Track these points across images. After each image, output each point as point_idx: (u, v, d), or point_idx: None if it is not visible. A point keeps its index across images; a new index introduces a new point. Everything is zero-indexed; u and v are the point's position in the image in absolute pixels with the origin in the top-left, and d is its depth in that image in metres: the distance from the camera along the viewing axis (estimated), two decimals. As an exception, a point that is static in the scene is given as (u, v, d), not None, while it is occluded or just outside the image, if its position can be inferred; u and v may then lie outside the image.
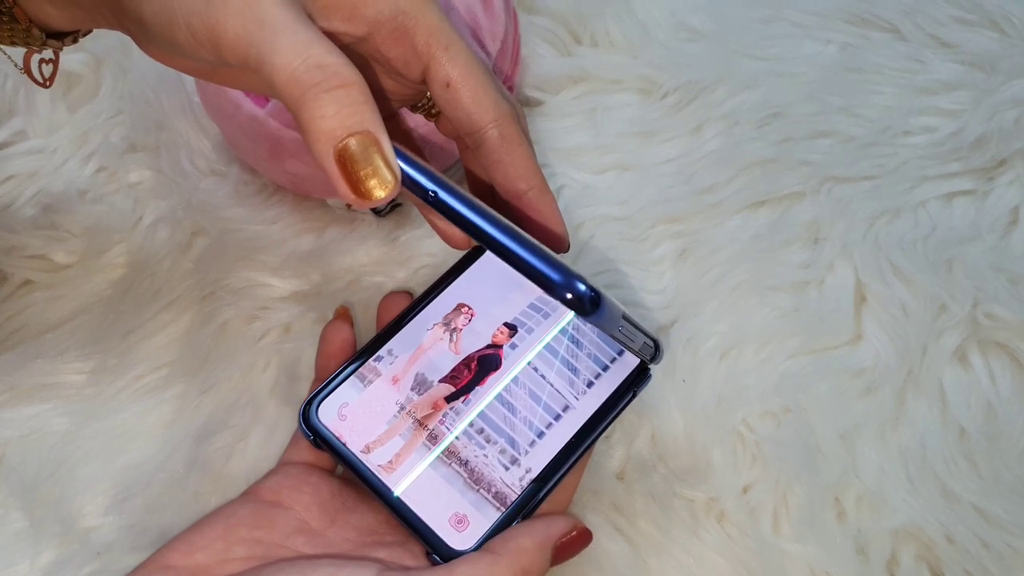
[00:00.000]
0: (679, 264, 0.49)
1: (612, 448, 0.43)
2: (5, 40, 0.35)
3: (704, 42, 0.56)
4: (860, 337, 0.46)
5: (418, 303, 0.40)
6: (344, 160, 0.27)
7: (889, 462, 0.42)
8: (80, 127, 0.55)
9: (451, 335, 0.39)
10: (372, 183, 0.27)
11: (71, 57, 0.56)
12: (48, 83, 0.40)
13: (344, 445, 0.37)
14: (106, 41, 0.57)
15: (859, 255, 0.48)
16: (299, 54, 0.26)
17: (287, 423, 0.45)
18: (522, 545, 0.33)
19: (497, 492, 0.35)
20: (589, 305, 0.29)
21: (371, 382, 0.38)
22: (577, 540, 0.35)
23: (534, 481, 0.36)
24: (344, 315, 0.41)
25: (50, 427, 0.45)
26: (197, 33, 0.28)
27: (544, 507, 0.36)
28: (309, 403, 0.38)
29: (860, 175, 0.51)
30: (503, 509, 0.35)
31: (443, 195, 0.30)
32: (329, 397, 0.38)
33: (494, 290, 0.40)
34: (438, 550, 0.34)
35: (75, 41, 0.37)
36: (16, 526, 0.42)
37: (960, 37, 0.55)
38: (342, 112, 0.26)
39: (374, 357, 0.39)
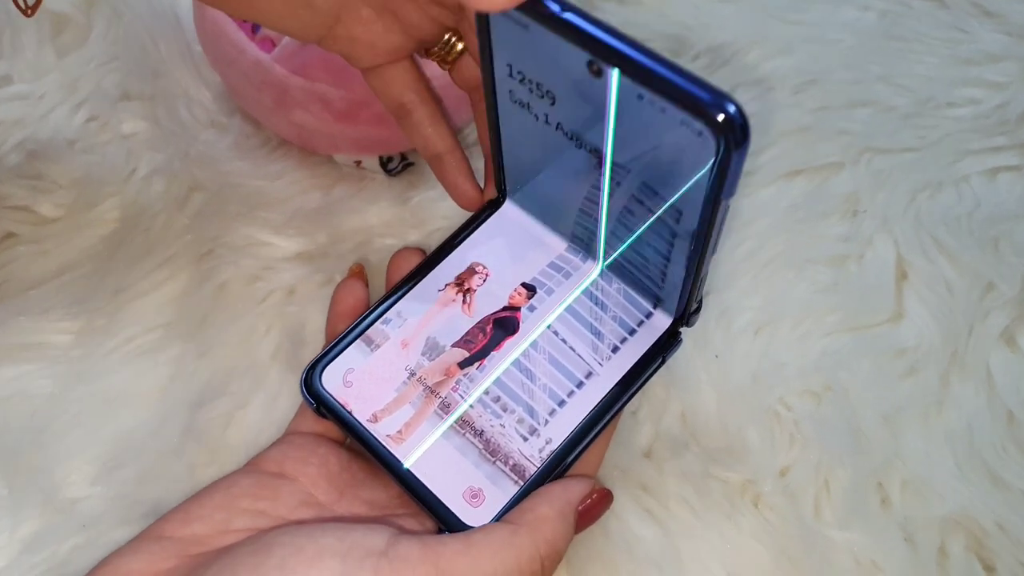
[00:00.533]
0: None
1: (640, 424, 0.41)
2: None
3: (737, 3, 0.53)
4: (902, 315, 0.43)
5: (429, 262, 0.37)
6: None
7: (935, 447, 0.40)
8: (70, 73, 0.51)
9: (464, 296, 0.36)
10: None
11: (61, -2, 0.52)
12: (30, 11, 0.36)
13: (350, 413, 0.34)
14: (99, -19, 0.53)
15: (900, 229, 0.45)
16: None
17: (290, 391, 0.42)
18: (542, 514, 0.30)
19: (515, 464, 0.32)
20: (740, 133, 0.24)
21: (379, 346, 0.35)
22: (599, 503, 0.32)
23: (555, 453, 0.33)
24: (359, 273, 0.38)
25: (33, 389, 0.42)
26: None
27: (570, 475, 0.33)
28: (312, 368, 0.35)
29: (901, 147, 0.48)
30: (521, 483, 0.32)
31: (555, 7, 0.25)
32: (334, 362, 0.35)
33: (511, 248, 0.37)
34: (452, 527, 0.31)
35: None
36: (-6, 495, 0.39)
37: (1006, 7, 0.53)
38: None
39: (382, 320, 0.36)
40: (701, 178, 0.26)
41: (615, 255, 0.35)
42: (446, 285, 0.36)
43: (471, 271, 0.37)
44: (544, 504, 0.31)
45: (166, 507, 0.38)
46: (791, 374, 0.41)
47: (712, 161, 0.25)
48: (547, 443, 0.33)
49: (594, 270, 0.36)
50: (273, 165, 0.48)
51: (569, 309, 0.36)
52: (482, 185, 0.39)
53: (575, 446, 0.33)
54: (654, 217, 0.31)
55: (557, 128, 0.30)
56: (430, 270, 0.37)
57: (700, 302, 0.34)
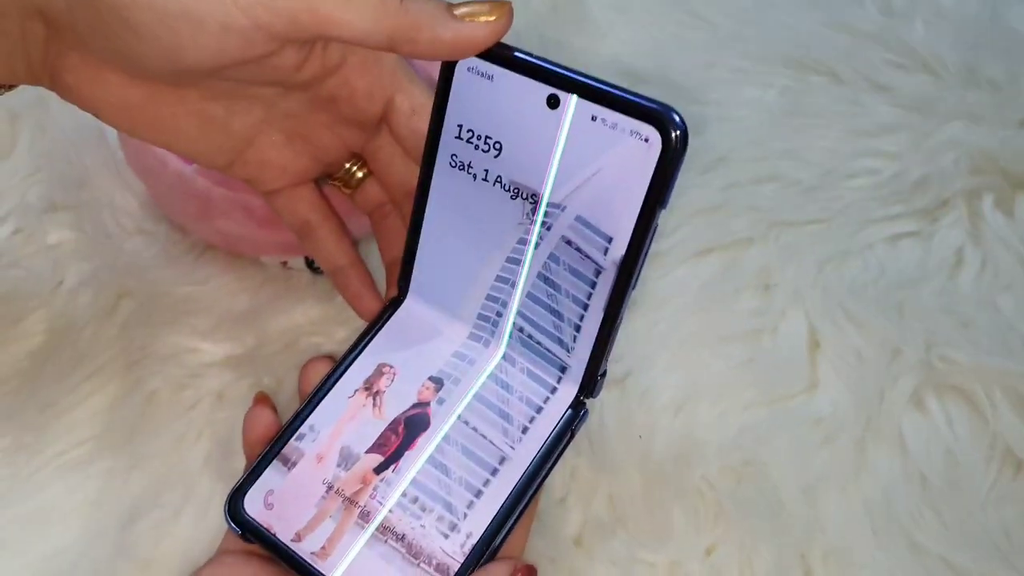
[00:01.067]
0: (628, 315, 0.47)
1: (568, 512, 0.42)
2: None
3: (647, 88, 0.54)
4: (815, 385, 0.45)
5: (336, 370, 0.37)
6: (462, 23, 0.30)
7: (853, 516, 0.41)
8: (-6, 187, 0.52)
9: (374, 399, 0.36)
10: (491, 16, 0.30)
11: (-16, 113, 0.53)
12: None
13: (274, 536, 0.34)
14: (22, 95, 0.54)
15: (810, 301, 0.47)
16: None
17: (221, 499, 0.41)
18: None
19: (439, 564, 0.33)
20: (682, 135, 0.28)
21: (295, 464, 0.35)
22: None
23: (476, 545, 0.33)
24: (263, 400, 0.38)
25: (-42, 513, 0.41)
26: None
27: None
28: (233, 495, 0.35)
29: (807, 219, 0.51)
30: None
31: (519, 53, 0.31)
32: (253, 486, 0.35)
33: (415, 344, 0.37)
34: None
35: (10, 88, 0.35)
36: (-81, 629, 0.38)
37: (895, 80, 0.56)
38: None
39: (295, 436, 0.36)
40: (640, 189, 0.30)
41: (526, 320, 0.35)
42: (355, 391, 0.36)
43: (379, 373, 0.37)
44: None
45: (96, 631, 0.38)
46: (711, 452, 0.43)
47: (655, 165, 0.29)
48: (468, 537, 0.33)
49: (497, 353, 0.36)
50: (200, 270, 0.49)
51: (477, 396, 0.36)
52: (383, 295, 0.40)
53: (496, 535, 0.33)
54: (580, 254, 0.32)
55: (495, 183, 0.33)
56: (339, 378, 0.37)
57: (605, 372, 0.35)
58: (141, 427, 0.44)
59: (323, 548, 0.33)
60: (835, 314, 0.47)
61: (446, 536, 0.33)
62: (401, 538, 0.33)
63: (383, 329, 0.38)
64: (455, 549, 0.33)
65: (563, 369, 0.35)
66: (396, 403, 0.36)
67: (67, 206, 0.52)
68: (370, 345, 0.37)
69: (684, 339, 0.46)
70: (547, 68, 0.31)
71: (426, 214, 0.36)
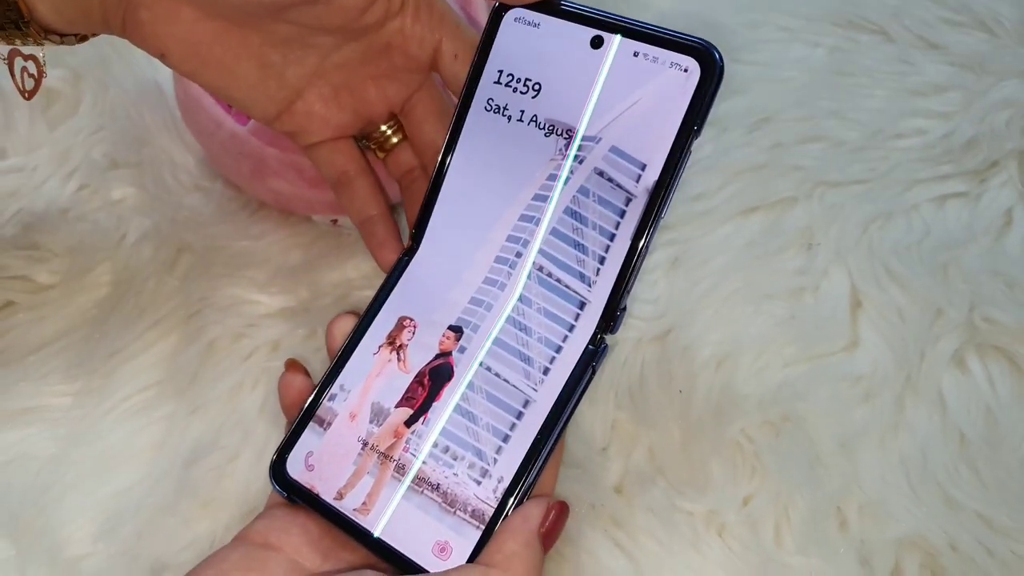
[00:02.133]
0: (671, 273, 0.48)
1: (610, 461, 0.43)
2: (10, 39, 0.36)
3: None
4: (856, 343, 0.46)
5: (359, 327, 0.38)
6: None
7: (890, 470, 0.42)
8: (61, 144, 0.54)
9: (398, 354, 0.37)
10: None
11: (50, 73, 0.55)
12: (28, 95, 0.39)
13: (317, 495, 0.35)
14: (85, 56, 0.56)
15: (853, 260, 0.48)
16: None
17: (276, 443, 0.43)
18: (510, 551, 0.32)
19: (474, 510, 0.34)
20: (720, 64, 0.32)
21: (330, 424, 0.37)
22: (557, 519, 0.34)
23: (508, 489, 0.34)
24: (294, 366, 0.39)
25: (35, 452, 0.44)
26: None
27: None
28: (277, 460, 0.37)
29: (852, 179, 0.51)
30: (483, 526, 0.34)
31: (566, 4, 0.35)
32: (294, 449, 0.37)
33: (432, 294, 0.38)
34: None
35: (69, 43, 0.37)
36: (1, 555, 0.41)
37: (949, 38, 0.55)
38: None
39: (328, 397, 0.37)
40: (676, 116, 0.33)
41: (547, 258, 0.36)
42: (379, 347, 0.37)
43: (400, 327, 0.37)
44: (509, 540, 0.32)
45: (164, 561, 0.41)
46: (751, 406, 0.43)
47: (693, 92, 0.32)
48: (499, 482, 0.34)
49: (513, 295, 0.36)
50: (255, 227, 0.51)
51: (496, 341, 0.36)
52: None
53: (525, 478, 0.34)
54: (611, 184, 0.34)
55: (531, 123, 0.35)
56: (362, 335, 0.38)
57: (625, 307, 0.35)
58: (201, 374, 0.46)
59: (364, 504, 0.35)
60: (878, 273, 0.47)
61: (478, 483, 0.34)
62: (436, 488, 0.35)
63: (400, 282, 0.38)
64: (488, 495, 0.34)
65: (582, 306, 0.35)
66: (419, 355, 0.37)
67: (129, 163, 0.54)
68: (389, 299, 0.38)
69: (726, 296, 0.47)
70: (592, 14, 0.34)
71: (453, 159, 0.37)
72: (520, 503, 0.34)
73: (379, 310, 0.38)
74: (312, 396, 0.37)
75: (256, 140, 0.45)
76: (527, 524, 0.33)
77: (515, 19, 0.35)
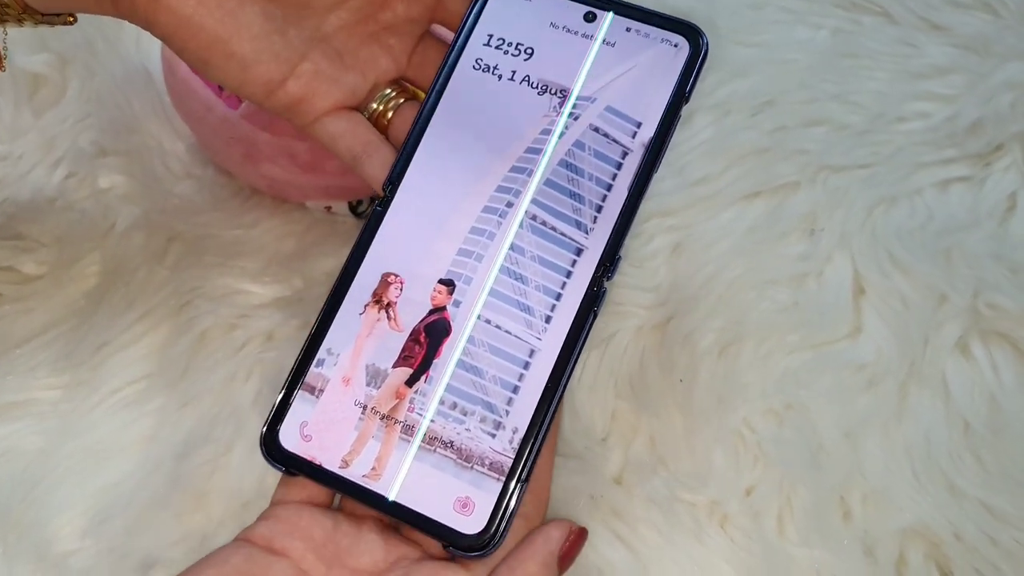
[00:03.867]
0: (673, 259, 0.47)
1: (610, 451, 0.42)
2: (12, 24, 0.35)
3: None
4: (860, 330, 0.45)
5: (338, 288, 0.36)
6: None
7: (894, 459, 0.41)
8: (47, 132, 0.53)
9: (387, 312, 0.36)
10: None
11: (35, 58, 0.54)
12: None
13: (320, 466, 0.34)
14: (71, 40, 0.55)
15: (857, 246, 0.47)
16: None
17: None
18: (529, 571, 0.32)
19: (492, 463, 0.33)
20: (705, 45, 0.36)
21: (322, 390, 0.35)
22: (576, 541, 0.35)
23: (524, 437, 0.33)
24: None
25: (23, 446, 0.43)
26: None
27: (527, 499, 0.34)
28: (267, 434, 0.35)
29: (855, 163, 0.50)
30: (503, 478, 0.33)
31: None
32: (285, 420, 0.35)
33: (415, 246, 0.36)
34: (454, 541, 0.32)
35: (67, 22, 0.36)
36: (-11, 551, 0.40)
37: (952, 19, 0.54)
38: None
39: (315, 363, 0.35)
40: (668, 85, 0.36)
41: (541, 207, 0.35)
42: (365, 306, 0.36)
43: (384, 284, 0.36)
44: (529, 560, 0.33)
45: (155, 556, 0.40)
46: (754, 394, 0.43)
47: (683, 65, 0.36)
48: (514, 432, 0.33)
49: (504, 244, 0.35)
50: (247, 214, 0.50)
51: (493, 292, 0.35)
52: None
53: (542, 426, 0.33)
54: (607, 139, 0.36)
55: (522, 82, 0.37)
56: (343, 295, 0.36)
57: (621, 257, 0.35)
58: (193, 366, 0.45)
59: (373, 469, 0.34)
60: (881, 259, 0.46)
61: (493, 435, 0.33)
62: (449, 445, 0.34)
63: (377, 236, 0.36)
64: (504, 446, 0.33)
65: (579, 252, 0.35)
66: (411, 312, 0.35)
67: (117, 151, 0.53)
68: (368, 255, 0.36)
69: (729, 282, 0.46)
70: None
71: (437, 112, 0.37)
72: (538, 452, 0.33)
73: (358, 268, 0.36)
74: (297, 362, 0.35)
75: (248, 124, 0.44)
76: (547, 546, 0.33)
77: None
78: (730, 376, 0.44)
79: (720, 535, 0.39)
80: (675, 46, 0.36)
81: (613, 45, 0.36)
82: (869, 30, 0.54)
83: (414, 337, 0.35)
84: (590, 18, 0.37)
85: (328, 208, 0.49)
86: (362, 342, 0.35)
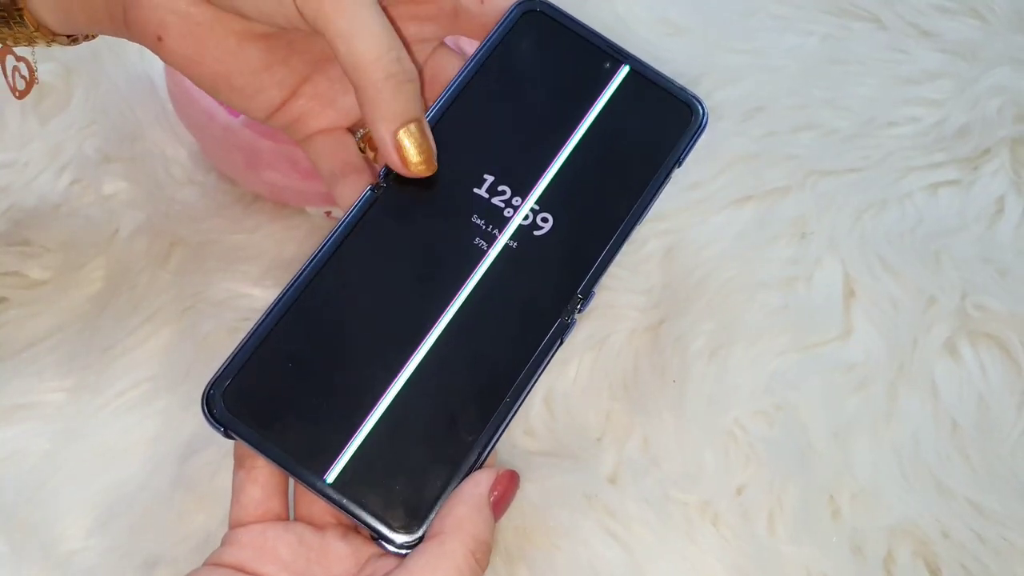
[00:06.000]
0: (666, 263, 0.48)
1: (604, 451, 0.43)
2: (9, 39, 0.35)
3: (685, 36, 0.55)
4: (850, 332, 0.46)
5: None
6: (399, 143, 0.33)
7: (883, 458, 0.42)
8: (52, 139, 0.54)
9: None
10: (419, 159, 0.33)
11: (41, 68, 0.54)
12: (20, 95, 0.39)
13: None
14: (76, 50, 0.55)
15: (846, 249, 0.48)
16: (384, 45, 0.32)
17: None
18: (461, 514, 0.31)
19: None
20: (704, 117, 0.37)
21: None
22: (508, 485, 0.33)
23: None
24: None
25: (29, 448, 0.44)
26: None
27: None
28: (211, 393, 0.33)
29: (845, 168, 0.51)
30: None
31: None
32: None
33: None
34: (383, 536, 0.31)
35: (75, 42, 0.37)
36: (-4, 551, 0.41)
37: (941, 25, 0.55)
38: (408, 104, 0.33)
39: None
40: (667, 144, 0.36)
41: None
42: None
43: None
44: (459, 504, 0.32)
45: (158, 555, 0.41)
46: (744, 396, 0.44)
47: (683, 132, 0.36)
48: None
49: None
50: (248, 219, 0.51)
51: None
52: None
53: (487, 446, 0.33)
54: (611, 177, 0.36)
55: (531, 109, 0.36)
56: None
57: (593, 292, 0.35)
58: (196, 368, 0.46)
59: None
60: (871, 262, 0.47)
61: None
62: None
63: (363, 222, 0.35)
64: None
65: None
66: None
67: (121, 158, 0.53)
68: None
69: (720, 285, 0.47)
70: (606, 44, 0.37)
71: (447, 116, 0.36)
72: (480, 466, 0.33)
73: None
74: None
75: (249, 132, 0.45)
76: (476, 489, 0.32)
77: (528, 20, 0.37)
78: (721, 377, 0.44)
79: (712, 533, 0.40)
80: (679, 112, 0.37)
81: (620, 96, 0.37)
82: (859, 36, 0.55)
83: None
84: (606, 66, 0.37)
85: (328, 213, 0.50)
86: None
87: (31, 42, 0.36)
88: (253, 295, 0.48)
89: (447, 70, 0.38)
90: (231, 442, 0.43)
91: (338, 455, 0.32)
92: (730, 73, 0.54)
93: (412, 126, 0.33)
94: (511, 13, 0.36)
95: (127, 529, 0.41)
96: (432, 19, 0.37)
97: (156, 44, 0.34)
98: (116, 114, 0.54)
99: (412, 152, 0.33)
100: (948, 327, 0.45)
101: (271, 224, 0.51)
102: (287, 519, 0.35)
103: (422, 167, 0.34)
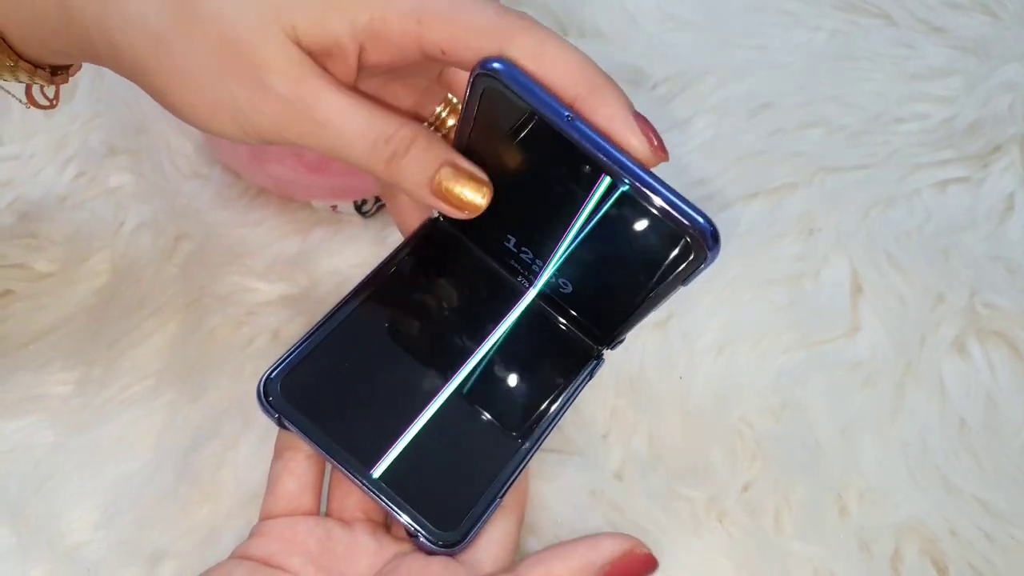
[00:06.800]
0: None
1: (610, 448, 0.43)
2: (7, 76, 0.35)
3: (692, 32, 0.55)
4: (857, 329, 0.46)
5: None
6: (442, 193, 0.31)
7: (890, 456, 0.42)
8: (57, 132, 0.54)
9: None
10: (470, 195, 0.31)
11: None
12: (54, 103, 0.39)
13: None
14: (82, 42, 0.55)
15: (854, 246, 0.48)
16: (366, 136, 0.30)
17: (275, 431, 0.44)
18: (553, 572, 0.29)
19: None
20: (715, 246, 0.29)
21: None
22: (632, 565, 0.29)
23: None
24: None
25: (35, 441, 0.44)
26: (242, 125, 0.30)
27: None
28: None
29: (852, 164, 0.50)
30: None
31: (578, 122, 0.29)
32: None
33: None
34: (424, 529, 0.33)
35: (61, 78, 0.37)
36: (3, 543, 0.41)
37: (951, 21, 0.54)
38: (421, 164, 0.31)
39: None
40: (671, 268, 0.32)
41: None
42: None
43: None
44: (558, 561, 0.29)
45: (164, 548, 0.41)
46: (751, 393, 0.43)
47: (688, 261, 0.31)
48: None
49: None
50: (253, 213, 0.51)
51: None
52: None
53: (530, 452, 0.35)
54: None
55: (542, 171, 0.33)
56: None
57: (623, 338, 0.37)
58: (201, 363, 0.46)
59: None
60: (878, 259, 0.47)
61: None
62: None
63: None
64: None
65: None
66: None
67: (126, 150, 0.53)
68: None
69: (726, 282, 0.47)
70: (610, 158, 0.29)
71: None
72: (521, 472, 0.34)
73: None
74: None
75: (254, 127, 0.45)
76: (590, 555, 0.29)
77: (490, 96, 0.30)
78: (728, 374, 0.44)
79: (718, 530, 0.40)
80: (681, 242, 0.31)
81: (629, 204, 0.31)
82: (867, 32, 0.55)
83: None
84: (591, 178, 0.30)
85: (333, 207, 0.50)
86: None
87: (13, 75, 0.35)
88: (258, 289, 0.48)
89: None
90: (236, 436, 0.44)
91: (385, 452, 0.34)
92: (737, 69, 0.53)
93: (442, 173, 0.31)
94: (471, 84, 0.30)
95: (133, 522, 0.41)
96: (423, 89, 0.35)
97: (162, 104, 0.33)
98: (121, 106, 0.54)
99: (457, 194, 0.31)
100: (956, 325, 0.45)
101: (276, 217, 0.51)
102: (318, 515, 0.36)
103: (477, 198, 0.31)
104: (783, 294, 0.46)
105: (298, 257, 0.49)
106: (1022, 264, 0.47)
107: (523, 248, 0.36)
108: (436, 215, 0.38)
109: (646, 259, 0.32)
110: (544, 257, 0.36)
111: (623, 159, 0.29)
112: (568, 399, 0.36)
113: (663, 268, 0.32)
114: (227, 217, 0.51)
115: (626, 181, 0.29)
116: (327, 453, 0.34)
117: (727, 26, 0.55)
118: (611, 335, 0.37)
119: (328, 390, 0.35)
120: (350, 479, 0.34)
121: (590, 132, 0.29)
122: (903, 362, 0.44)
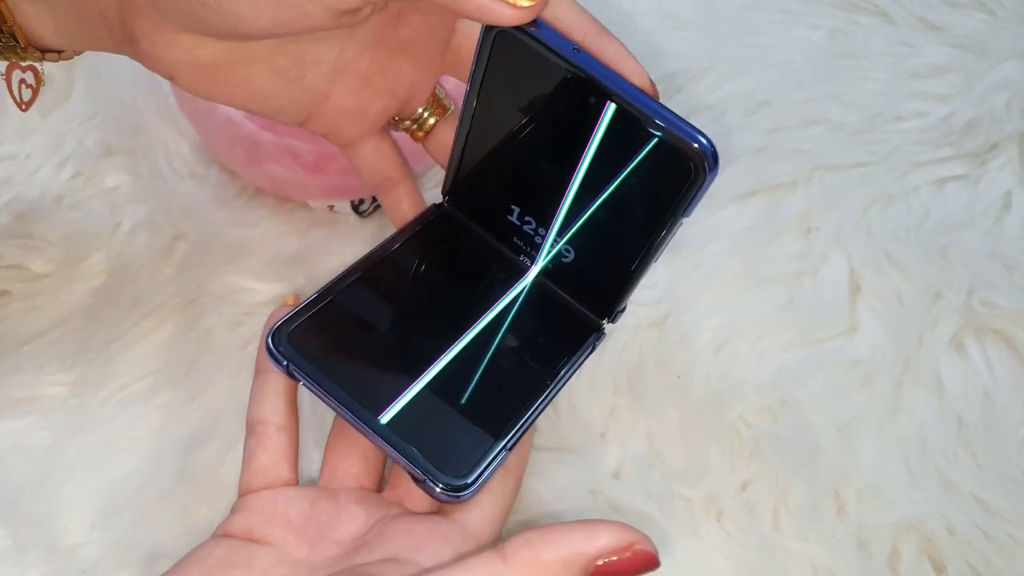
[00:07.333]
0: (671, 258, 0.48)
1: (608, 447, 0.43)
2: (6, 57, 0.35)
3: (691, 30, 0.55)
4: (855, 328, 0.45)
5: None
6: None
7: (888, 455, 0.42)
8: (54, 132, 0.54)
9: None
10: None
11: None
12: (25, 107, 0.38)
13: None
14: (78, 42, 0.55)
15: (852, 244, 0.47)
16: None
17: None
18: (540, 557, 0.26)
19: None
20: (713, 162, 0.31)
21: None
22: (634, 564, 0.27)
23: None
24: (295, 302, 0.37)
25: (32, 441, 0.44)
26: None
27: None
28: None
29: (851, 163, 0.50)
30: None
31: (584, 53, 0.31)
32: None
33: None
34: (432, 476, 0.32)
35: (68, 57, 0.37)
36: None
37: (949, 20, 0.54)
38: None
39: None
40: (672, 195, 0.33)
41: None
42: None
43: None
44: (548, 548, 0.26)
45: (162, 549, 0.41)
46: (750, 391, 0.43)
47: (688, 184, 0.32)
48: None
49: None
50: (251, 213, 0.50)
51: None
52: None
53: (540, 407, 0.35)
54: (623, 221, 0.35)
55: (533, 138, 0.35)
56: None
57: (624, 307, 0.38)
58: (198, 363, 0.46)
59: None
60: (877, 258, 0.47)
61: None
62: None
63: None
64: None
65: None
66: None
67: (123, 151, 0.53)
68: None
69: (725, 281, 0.47)
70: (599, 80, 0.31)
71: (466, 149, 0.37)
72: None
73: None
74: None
75: (251, 124, 0.45)
76: (581, 545, 0.26)
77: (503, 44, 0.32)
78: (726, 373, 0.44)
79: (716, 529, 0.40)
80: (680, 161, 0.32)
81: (621, 131, 0.32)
82: (866, 30, 0.55)
83: None
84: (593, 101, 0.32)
85: (331, 207, 0.50)
86: None
87: (23, 58, 0.35)
88: (255, 289, 0.48)
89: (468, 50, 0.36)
90: (234, 436, 0.44)
91: (393, 401, 0.34)
92: (736, 67, 0.53)
93: None
94: (482, 35, 0.32)
95: (130, 523, 0.41)
96: (428, 28, 0.36)
97: (170, 80, 0.35)
98: (118, 106, 0.54)
99: None
100: (954, 323, 0.45)
101: (273, 217, 0.50)
102: (297, 485, 0.36)
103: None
104: (782, 293, 0.46)
105: (295, 257, 0.49)
106: (1020, 262, 0.47)
107: (527, 219, 0.37)
108: (439, 201, 0.39)
109: (647, 191, 0.33)
110: (547, 225, 0.37)
111: (627, 84, 0.31)
112: (573, 363, 0.37)
113: (664, 198, 0.33)
114: (224, 217, 0.50)
115: (630, 102, 0.31)
116: (335, 400, 0.34)
117: (726, 24, 0.55)
118: (613, 306, 0.38)
119: (337, 343, 0.36)
120: (357, 427, 0.34)
121: (595, 62, 0.31)
122: (901, 360, 0.44)
